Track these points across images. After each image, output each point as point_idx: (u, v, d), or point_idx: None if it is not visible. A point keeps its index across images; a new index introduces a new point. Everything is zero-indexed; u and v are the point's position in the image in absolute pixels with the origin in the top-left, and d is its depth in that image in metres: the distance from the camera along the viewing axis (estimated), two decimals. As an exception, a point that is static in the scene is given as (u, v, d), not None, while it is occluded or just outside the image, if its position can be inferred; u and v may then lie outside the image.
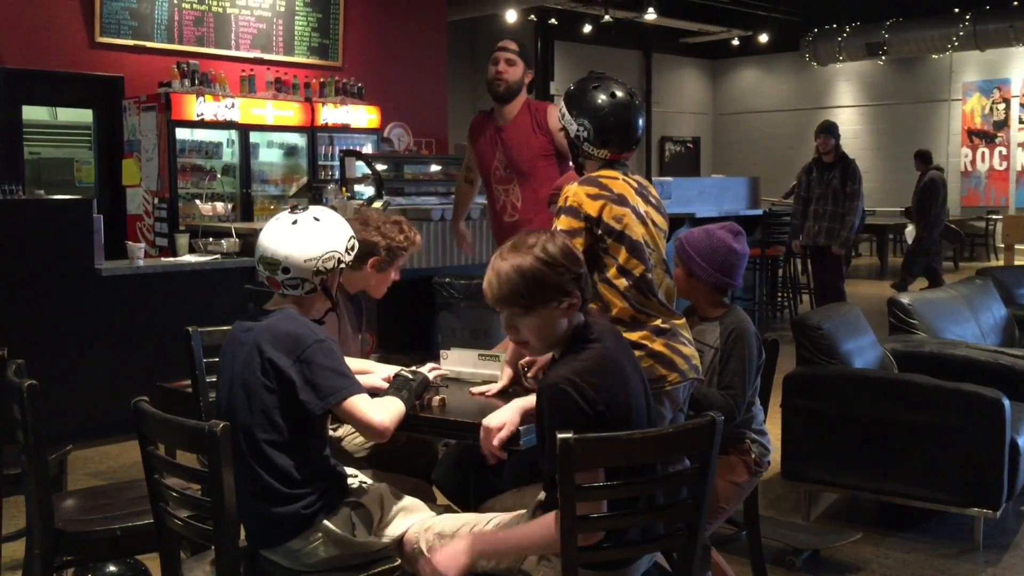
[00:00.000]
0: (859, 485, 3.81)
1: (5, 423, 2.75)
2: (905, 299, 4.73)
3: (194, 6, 8.67)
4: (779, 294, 9.13)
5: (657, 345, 2.53)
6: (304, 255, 2.33)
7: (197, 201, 7.38)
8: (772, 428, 3.23)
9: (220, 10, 8.86)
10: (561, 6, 13.66)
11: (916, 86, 16.54)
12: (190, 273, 5.50)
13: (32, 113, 9.51)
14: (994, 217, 15.24)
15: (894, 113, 16.74)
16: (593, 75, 2.66)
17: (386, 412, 2.31)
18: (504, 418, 2.30)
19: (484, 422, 2.30)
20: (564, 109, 2.63)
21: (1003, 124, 15.82)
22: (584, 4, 13.70)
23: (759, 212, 8.94)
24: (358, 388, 2.28)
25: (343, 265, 2.41)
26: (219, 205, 6.93)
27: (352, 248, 2.44)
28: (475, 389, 2.69)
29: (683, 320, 2.64)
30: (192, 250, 5.80)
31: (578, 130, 2.61)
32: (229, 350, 2.38)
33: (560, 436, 1.81)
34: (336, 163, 8.68)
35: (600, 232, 2.51)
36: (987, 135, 16.01)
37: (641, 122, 2.64)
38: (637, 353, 2.45)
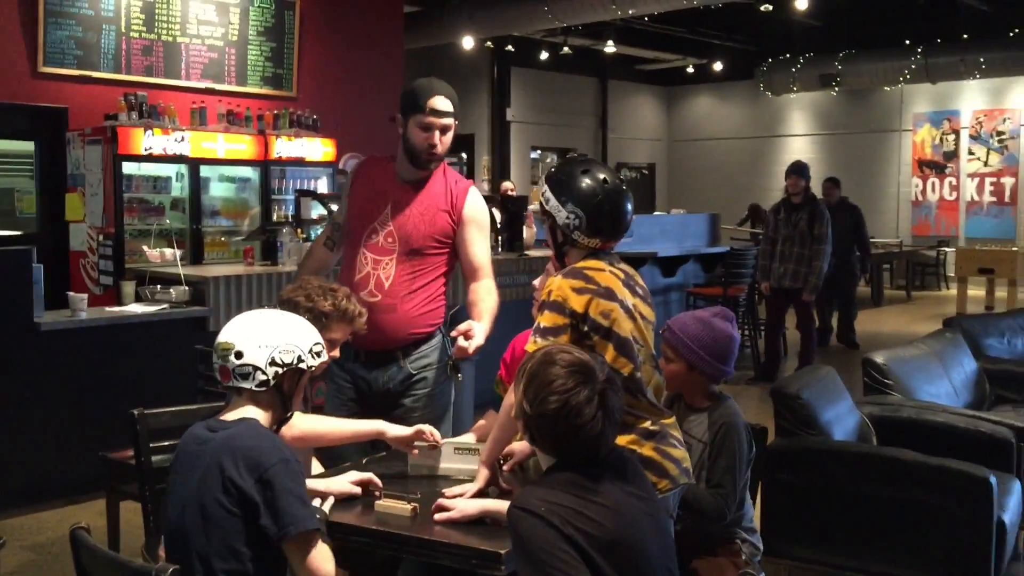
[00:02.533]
0: (842, 564, 3.66)
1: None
2: (879, 358, 4.64)
3: (143, 35, 8.38)
4: (742, 333, 9.06)
5: (646, 450, 2.36)
6: (260, 340, 2.17)
7: (144, 247, 7.07)
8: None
9: (170, 39, 8.57)
10: (519, 34, 13.57)
11: (868, 116, 16.73)
12: (137, 325, 5.23)
13: (-32, 142, 9.12)
14: (945, 249, 15.42)
15: (846, 143, 16.91)
16: (578, 158, 2.51)
17: (331, 561, 2.10)
18: (463, 507, 2.30)
19: (440, 502, 2.34)
20: (548, 194, 2.46)
21: (953, 155, 16.04)
22: (543, 33, 13.62)
23: (721, 250, 8.87)
24: (316, 522, 2.08)
25: (303, 367, 2.22)
26: (167, 252, 6.63)
27: (319, 354, 2.25)
28: (448, 492, 2.49)
29: (672, 419, 2.48)
30: (139, 298, 5.52)
31: (568, 217, 2.43)
32: (180, 465, 2.16)
33: None
34: (291, 197, 8.43)
35: (586, 329, 2.35)
36: (937, 165, 16.23)
37: (630, 207, 2.49)
38: (626, 459, 2.28)
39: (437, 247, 3.21)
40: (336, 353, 2.81)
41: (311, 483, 2.45)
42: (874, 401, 4.42)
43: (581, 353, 2.05)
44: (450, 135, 3.20)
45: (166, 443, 3.06)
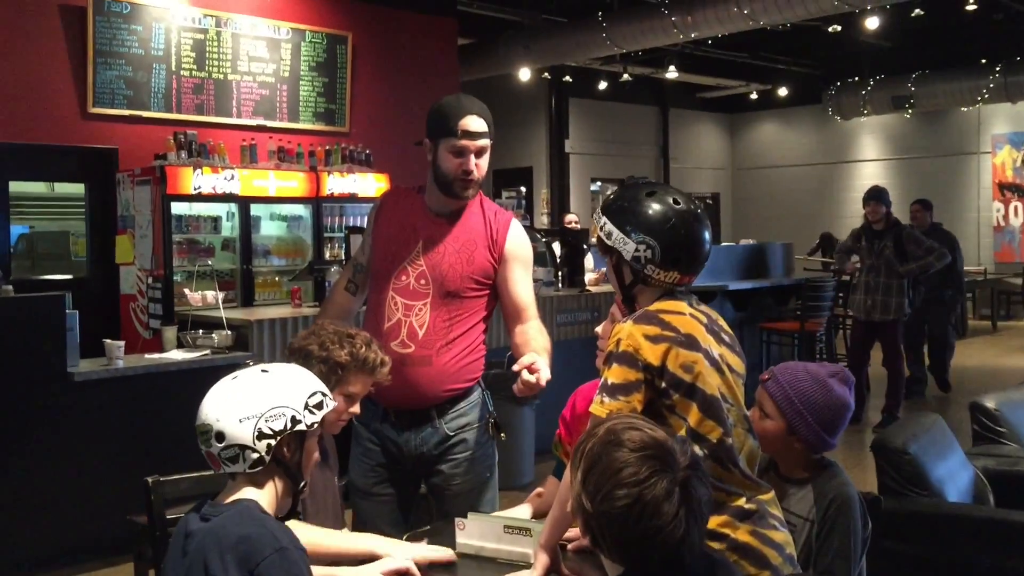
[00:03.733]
0: (965, 648, 3.16)
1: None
2: (989, 403, 4.12)
3: (193, 73, 8.24)
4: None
5: (742, 534, 1.93)
6: (239, 412, 1.78)
7: (186, 290, 6.82)
8: None
9: (220, 76, 8.42)
10: (576, 63, 13.26)
11: (943, 139, 16.01)
12: (176, 373, 4.93)
13: (27, 185, 9.07)
14: (1032, 275, 14.60)
15: (921, 167, 16.19)
16: (639, 181, 2.11)
17: None
18: None
19: None
20: (610, 226, 2.05)
21: (1036, 177, 15.26)
22: (601, 62, 13.29)
23: (796, 281, 8.35)
24: None
25: (302, 426, 1.83)
26: (209, 294, 6.37)
27: (319, 406, 1.87)
28: (502, 581, 2.09)
29: (771, 494, 2.04)
30: (181, 344, 5.24)
31: (637, 250, 2.02)
32: (169, 562, 1.80)
33: None
34: (344, 235, 8.16)
35: (664, 385, 1.93)
36: (1020, 188, 15.43)
37: (708, 233, 2.08)
38: (717, 546, 1.86)
39: (476, 289, 2.79)
40: (356, 409, 2.42)
41: (335, 572, 2.08)
42: (987, 452, 3.90)
43: (654, 428, 1.60)
44: (486, 158, 2.79)
45: (188, 509, 2.73)
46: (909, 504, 3.23)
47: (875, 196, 7.21)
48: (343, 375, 2.34)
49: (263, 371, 1.88)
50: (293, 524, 2.17)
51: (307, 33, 8.95)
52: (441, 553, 2.26)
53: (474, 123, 2.74)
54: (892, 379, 7.22)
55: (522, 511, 2.53)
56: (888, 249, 7.03)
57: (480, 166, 2.77)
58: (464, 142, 2.72)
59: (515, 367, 2.55)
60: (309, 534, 2.29)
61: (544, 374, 2.53)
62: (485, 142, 2.76)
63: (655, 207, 2.02)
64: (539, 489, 2.68)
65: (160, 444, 4.75)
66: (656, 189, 2.05)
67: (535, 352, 2.65)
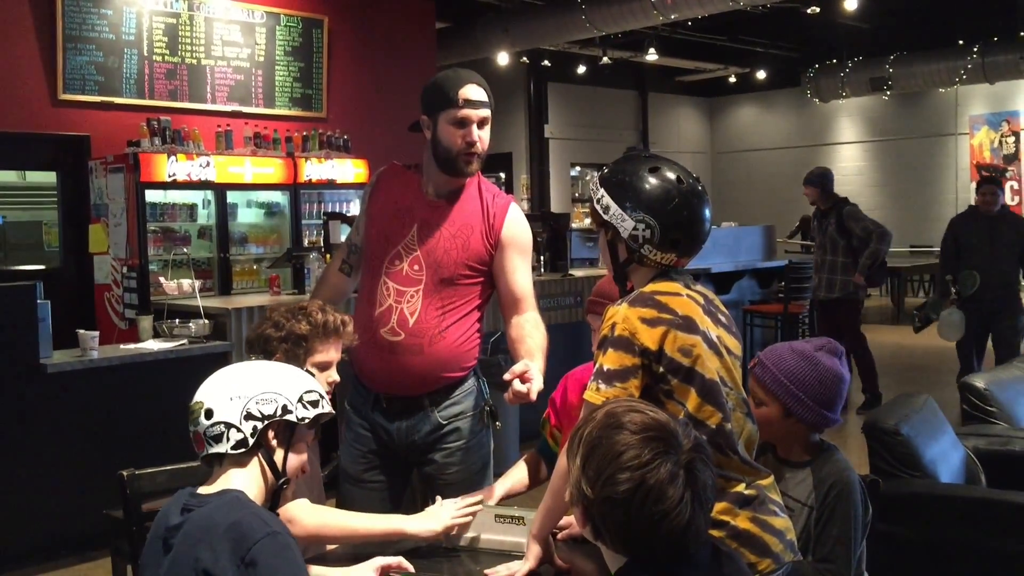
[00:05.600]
0: (960, 631, 3.13)
1: None
2: (980, 382, 4.10)
3: (166, 58, 8.08)
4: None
5: (742, 521, 1.87)
6: (231, 391, 1.75)
7: (162, 279, 6.70)
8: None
9: (194, 62, 8.26)
10: (555, 47, 13.16)
11: (921, 120, 16.04)
12: (152, 363, 4.83)
13: (-2, 175, 8.91)
14: (1011, 255, 14.67)
15: (900, 148, 16.23)
16: (641, 154, 2.01)
17: None
18: None
19: None
20: (607, 200, 1.97)
21: (1013, 157, 15.31)
22: (580, 46, 13.19)
23: (779, 264, 8.32)
24: None
25: (292, 417, 1.77)
26: (185, 283, 6.25)
27: (314, 403, 1.81)
28: (492, 573, 2.02)
29: (770, 478, 1.98)
30: (157, 334, 5.13)
31: (635, 228, 1.93)
32: (148, 557, 1.72)
33: None
34: (322, 221, 8.04)
35: (662, 370, 1.86)
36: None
37: (709, 213, 2.00)
38: (716, 534, 1.80)
39: (471, 276, 2.66)
40: (335, 377, 2.39)
41: (325, 573, 2.01)
42: (977, 432, 3.88)
43: (656, 411, 1.53)
44: (488, 131, 2.66)
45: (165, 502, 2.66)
46: (902, 486, 3.19)
47: (807, 181, 7.35)
48: (309, 345, 2.32)
49: (267, 361, 1.85)
50: (307, 508, 2.13)
51: (282, 17, 8.81)
52: (469, 515, 2.25)
53: (474, 92, 2.63)
54: (856, 361, 7.12)
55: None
56: (831, 227, 7.11)
57: (483, 138, 2.65)
58: (466, 111, 2.61)
59: (506, 376, 2.44)
60: (337, 517, 2.27)
61: (536, 384, 2.40)
62: (487, 112, 2.65)
63: (656, 184, 1.94)
64: (520, 462, 2.61)
65: (136, 436, 4.66)
66: (659, 164, 1.97)
67: (529, 351, 2.55)
